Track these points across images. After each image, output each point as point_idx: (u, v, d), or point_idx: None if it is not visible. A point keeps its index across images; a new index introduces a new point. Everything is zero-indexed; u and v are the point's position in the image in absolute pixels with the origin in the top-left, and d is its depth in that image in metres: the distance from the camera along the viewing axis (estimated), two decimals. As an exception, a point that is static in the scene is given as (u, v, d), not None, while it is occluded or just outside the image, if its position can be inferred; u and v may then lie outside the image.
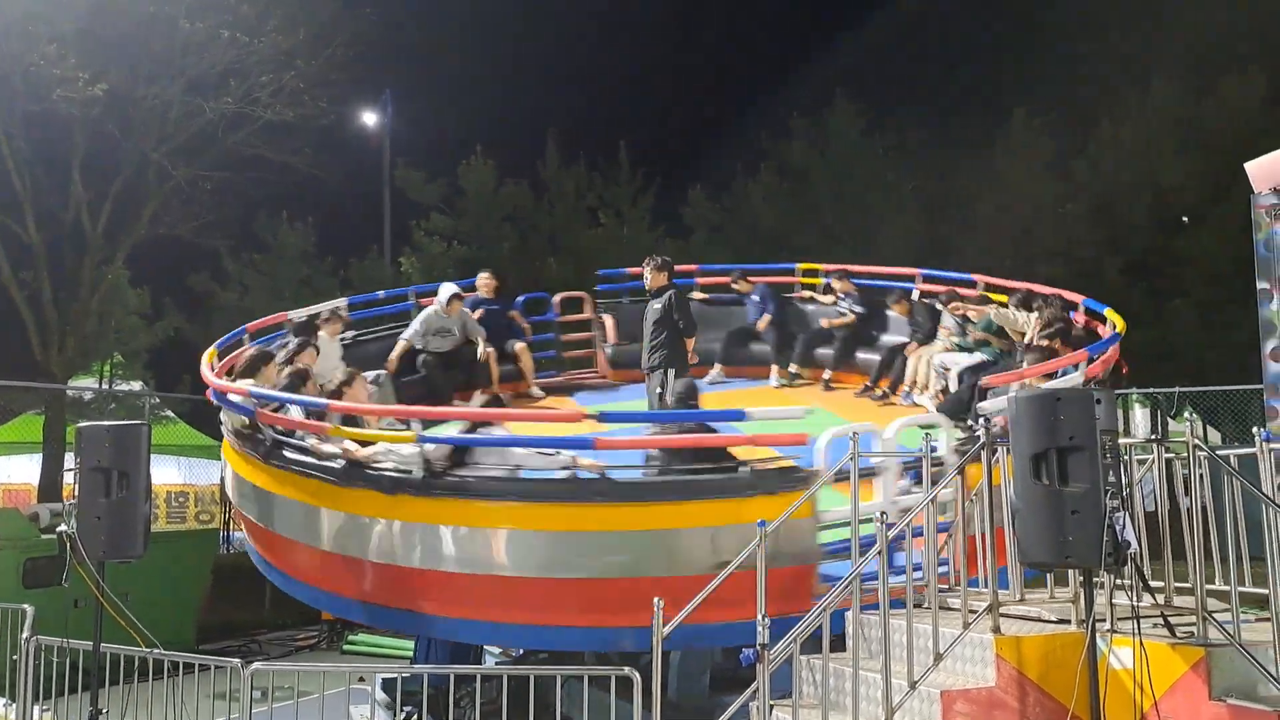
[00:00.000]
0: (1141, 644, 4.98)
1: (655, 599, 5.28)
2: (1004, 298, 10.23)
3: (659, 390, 9.06)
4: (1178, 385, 17.02)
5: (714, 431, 7.15)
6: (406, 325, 11.30)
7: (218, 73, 16.35)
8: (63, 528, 6.13)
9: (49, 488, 16.64)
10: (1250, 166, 7.88)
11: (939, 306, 10.81)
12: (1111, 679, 5.13)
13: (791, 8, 38.12)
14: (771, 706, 4.99)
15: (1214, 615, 5.05)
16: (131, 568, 9.22)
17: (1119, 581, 5.48)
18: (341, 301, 11.61)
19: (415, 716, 8.65)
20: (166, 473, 23.08)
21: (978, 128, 26.58)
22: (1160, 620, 5.25)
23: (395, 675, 8.67)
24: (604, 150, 24.39)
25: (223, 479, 9.40)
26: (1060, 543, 4.83)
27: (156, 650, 6.20)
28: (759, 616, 4.79)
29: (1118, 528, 4.83)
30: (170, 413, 22.79)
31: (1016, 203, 24.84)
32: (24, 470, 19.54)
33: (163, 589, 11.38)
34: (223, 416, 8.89)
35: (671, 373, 8.78)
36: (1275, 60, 24.17)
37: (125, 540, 6.15)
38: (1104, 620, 5.28)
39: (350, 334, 11.19)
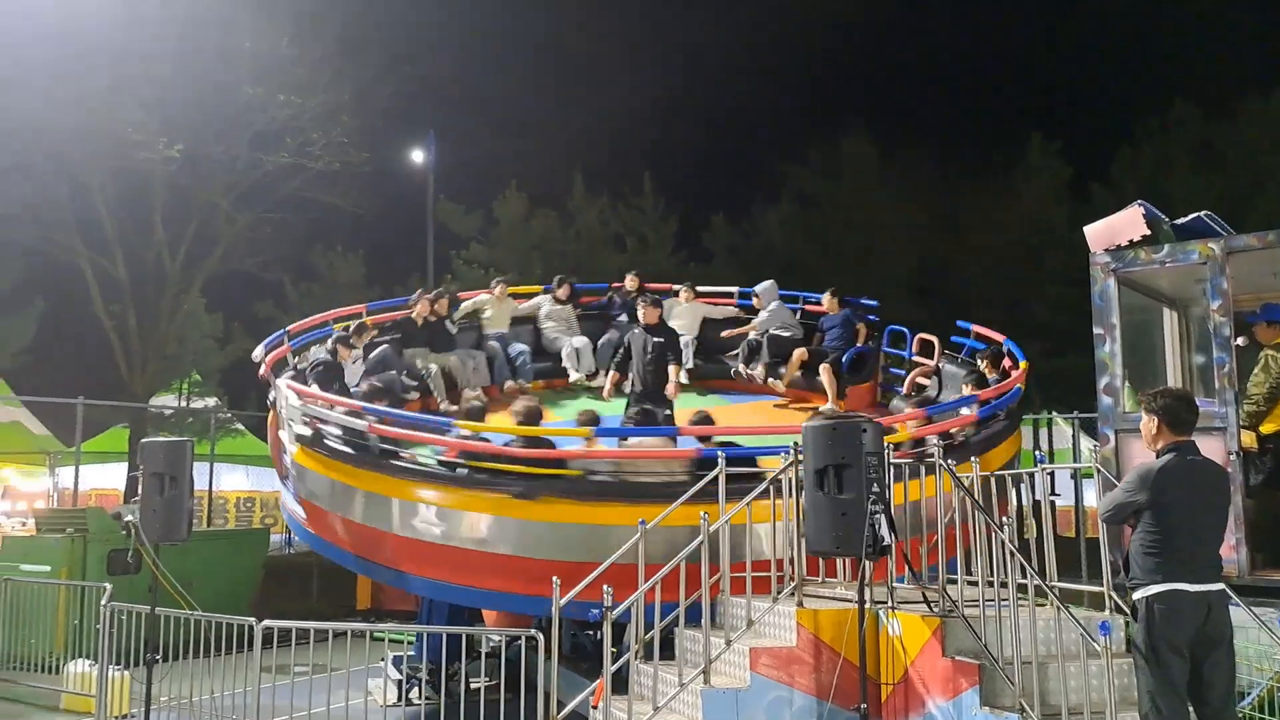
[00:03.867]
0: (888, 616, 6.67)
1: (554, 577, 7.08)
2: None
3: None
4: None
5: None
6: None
7: (276, 130, 18.76)
8: (130, 517, 8.18)
9: (132, 491, 19.15)
10: (1088, 230, 9.39)
11: None
12: (887, 642, 6.85)
13: (811, 38, 39.67)
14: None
15: (951, 596, 6.71)
16: (191, 561, 11.34)
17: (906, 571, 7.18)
18: None
19: (415, 689, 10.53)
20: (235, 479, 25.60)
21: (990, 152, 27.83)
22: (922, 598, 6.92)
23: (401, 655, 10.63)
24: (630, 181, 26.38)
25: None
26: (835, 537, 6.53)
27: (197, 613, 8.24)
28: (604, 589, 6.58)
29: (877, 527, 6.53)
30: (240, 426, 25.29)
31: (1028, 226, 26.01)
32: (112, 477, 22.09)
33: (221, 580, 13.47)
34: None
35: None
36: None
37: (174, 527, 8.19)
38: (886, 601, 6.97)
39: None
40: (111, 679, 9.14)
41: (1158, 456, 5.47)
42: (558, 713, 6.95)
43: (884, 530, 6.51)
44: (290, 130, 18.99)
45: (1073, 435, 15.83)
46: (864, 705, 6.40)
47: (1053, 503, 7.25)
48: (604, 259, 25.18)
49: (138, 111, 17.35)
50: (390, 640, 12.36)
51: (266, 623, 7.69)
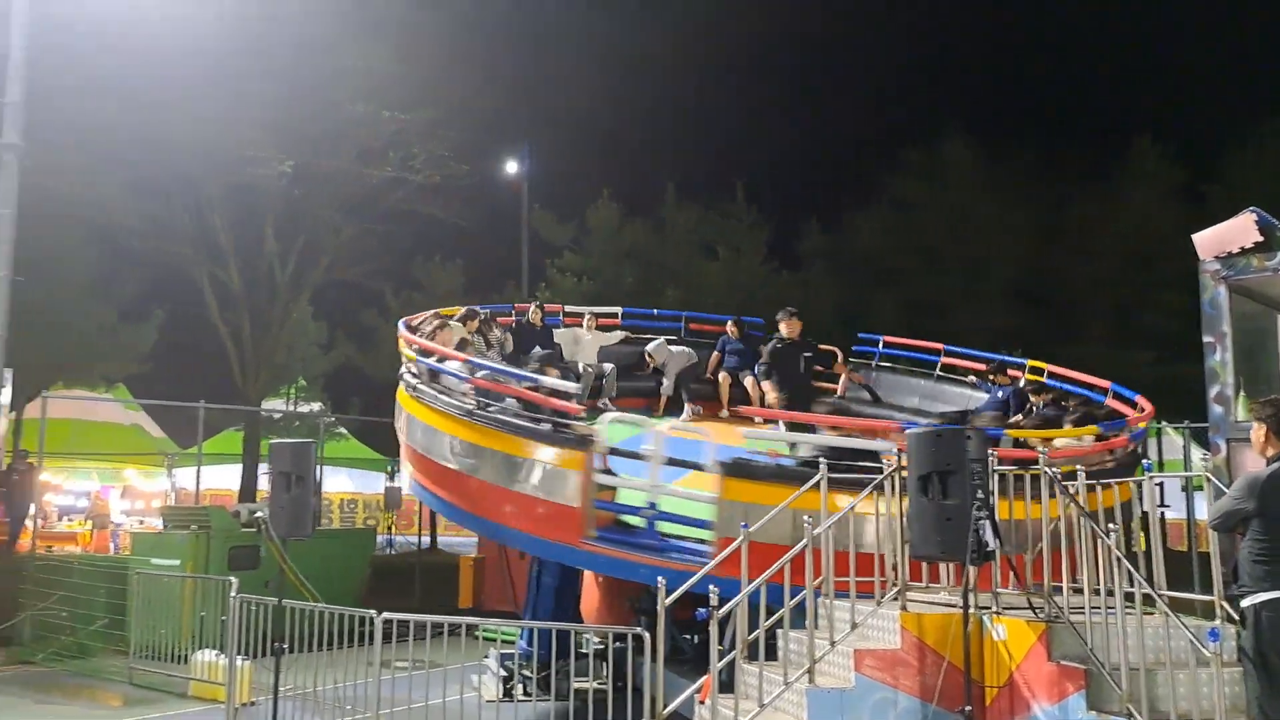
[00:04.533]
0: (993, 621, 6.73)
1: (659, 576, 7.32)
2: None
3: None
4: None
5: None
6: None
7: (380, 145, 19.50)
8: (259, 514, 8.67)
9: (246, 491, 20.04)
10: (1197, 237, 9.29)
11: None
12: (992, 646, 6.91)
13: (907, 39, 39.19)
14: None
15: (1057, 602, 6.74)
16: (306, 558, 11.87)
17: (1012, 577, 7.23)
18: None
19: (520, 685, 10.84)
20: (339, 482, 26.54)
21: (1094, 156, 27.21)
22: (1027, 604, 6.96)
23: (505, 652, 10.95)
24: (722, 189, 26.54)
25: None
26: (939, 542, 6.63)
27: (321, 605, 8.69)
28: (711, 589, 6.79)
29: (981, 532, 6.60)
30: (343, 430, 26.20)
31: (1138, 231, 25.36)
32: (225, 477, 23.11)
33: (331, 576, 14.06)
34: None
35: None
36: None
37: (300, 523, 8.65)
38: (990, 606, 7.03)
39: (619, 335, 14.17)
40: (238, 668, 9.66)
41: (1268, 465, 5.48)
42: (663, 709, 7.17)
43: (988, 535, 6.57)
44: (394, 145, 19.73)
45: (1184, 445, 15.50)
46: (969, 708, 6.48)
47: (1162, 514, 7.21)
48: (697, 267, 25.38)
49: (252, 130, 18.22)
50: (493, 637, 12.78)
51: (386, 615, 8.09)
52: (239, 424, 22.61)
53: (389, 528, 23.34)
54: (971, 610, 6.76)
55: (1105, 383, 11.60)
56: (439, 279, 24.88)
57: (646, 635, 7.56)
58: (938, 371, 13.73)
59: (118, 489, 24.02)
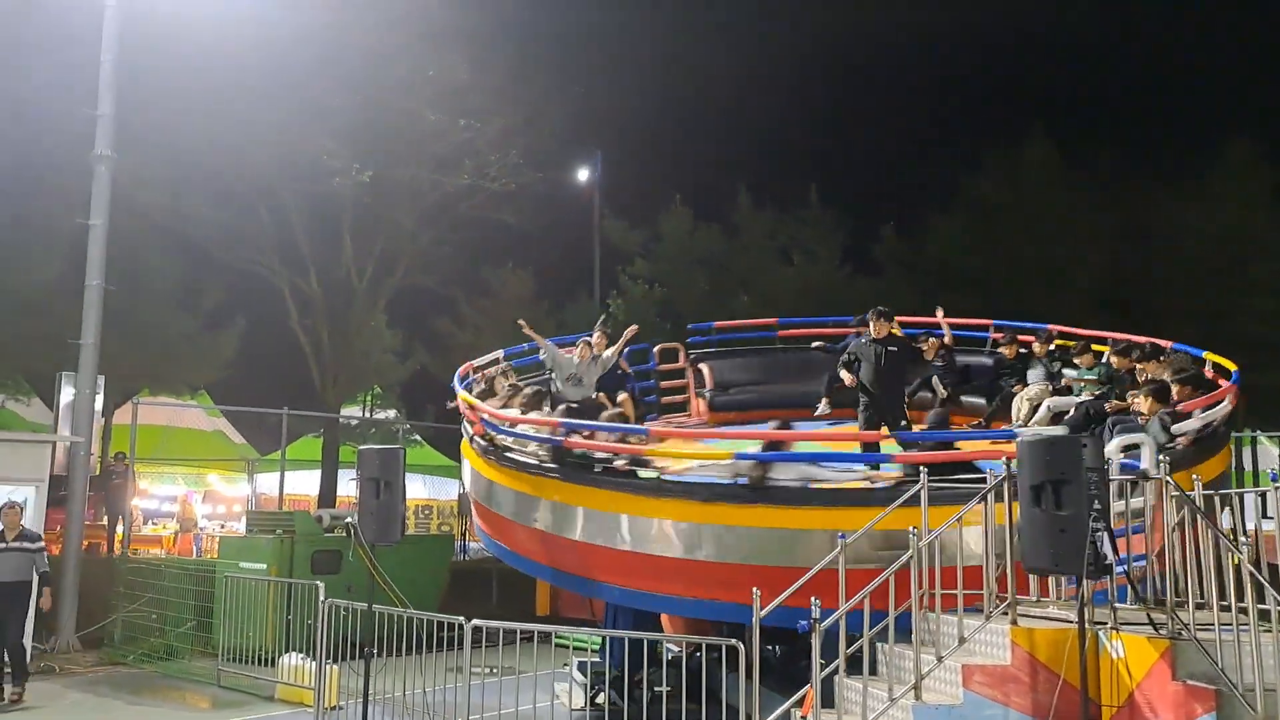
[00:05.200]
0: (1110, 637, 6.41)
1: (754, 588, 7.12)
2: (1104, 347, 11.34)
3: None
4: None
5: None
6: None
7: (455, 154, 19.63)
8: (349, 519, 8.65)
9: (326, 496, 20.24)
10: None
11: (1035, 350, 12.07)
12: (1109, 664, 6.58)
13: (985, 37, 38.37)
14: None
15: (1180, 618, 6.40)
16: (387, 564, 11.87)
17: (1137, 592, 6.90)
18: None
19: (602, 694, 10.73)
20: (414, 488, 26.64)
21: (1178, 158, 26.34)
22: (1146, 620, 6.62)
23: (586, 661, 10.86)
24: (796, 193, 26.20)
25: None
26: (1053, 554, 6.34)
27: (409, 610, 8.65)
28: (812, 600, 6.57)
29: (1099, 544, 6.30)
30: (418, 436, 26.39)
31: (1226, 234, 24.50)
32: (304, 482, 23.41)
33: (412, 581, 14.06)
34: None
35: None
36: None
37: (388, 529, 8.64)
38: (1107, 621, 6.71)
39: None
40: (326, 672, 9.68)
41: None
42: (759, 722, 6.97)
43: (1106, 548, 6.28)
44: (469, 153, 19.85)
45: (1280, 455, 14.88)
46: (1086, 728, 6.19)
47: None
48: (769, 273, 25.10)
49: (331, 140, 18.46)
50: (582, 645, 12.66)
51: (476, 622, 8.02)
52: (316, 430, 22.90)
53: (462, 534, 23.41)
54: (1087, 625, 6.46)
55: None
56: (510, 285, 24.99)
57: (741, 646, 7.37)
58: (779, 345, 14.28)
59: (199, 494, 24.49)
